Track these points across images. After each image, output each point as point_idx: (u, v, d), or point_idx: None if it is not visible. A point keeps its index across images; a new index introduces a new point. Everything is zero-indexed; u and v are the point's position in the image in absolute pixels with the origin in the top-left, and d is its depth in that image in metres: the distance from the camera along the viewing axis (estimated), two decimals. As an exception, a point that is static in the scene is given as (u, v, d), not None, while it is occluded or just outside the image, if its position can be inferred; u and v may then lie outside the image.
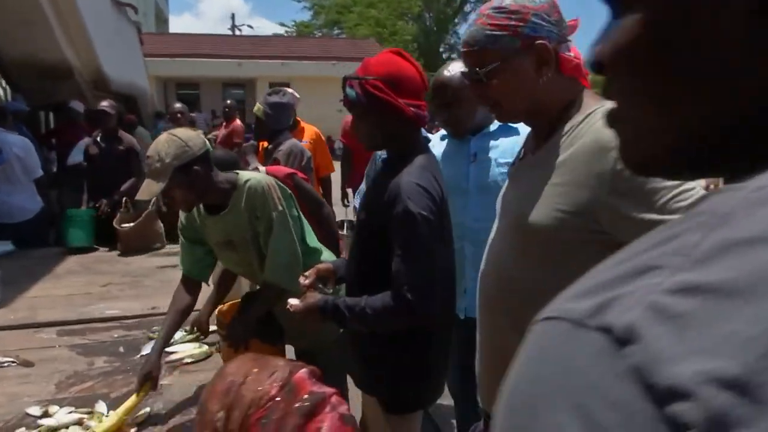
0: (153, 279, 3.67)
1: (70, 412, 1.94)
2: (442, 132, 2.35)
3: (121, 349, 2.55)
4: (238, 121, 7.58)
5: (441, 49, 37.16)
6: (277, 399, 0.86)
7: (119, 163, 4.69)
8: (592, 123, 1.16)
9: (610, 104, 1.20)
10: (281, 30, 35.08)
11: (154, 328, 2.73)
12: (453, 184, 1.90)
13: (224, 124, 7.55)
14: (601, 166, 1.10)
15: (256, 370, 0.91)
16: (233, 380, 0.89)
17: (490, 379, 1.37)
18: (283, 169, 2.79)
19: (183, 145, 1.91)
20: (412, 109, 1.52)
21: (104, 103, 4.67)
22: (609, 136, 1.08)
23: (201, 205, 2.09)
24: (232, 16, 35.04)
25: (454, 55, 38.99)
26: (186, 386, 2.16)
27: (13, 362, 2.38)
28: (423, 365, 1.60)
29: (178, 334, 2.60)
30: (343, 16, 32.52)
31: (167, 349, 2.48)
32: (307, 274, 1.75)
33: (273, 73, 20.05)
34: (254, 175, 2.10)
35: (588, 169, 1.12)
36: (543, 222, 1.18)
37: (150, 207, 4.58)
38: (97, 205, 4.56)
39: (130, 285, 3.52)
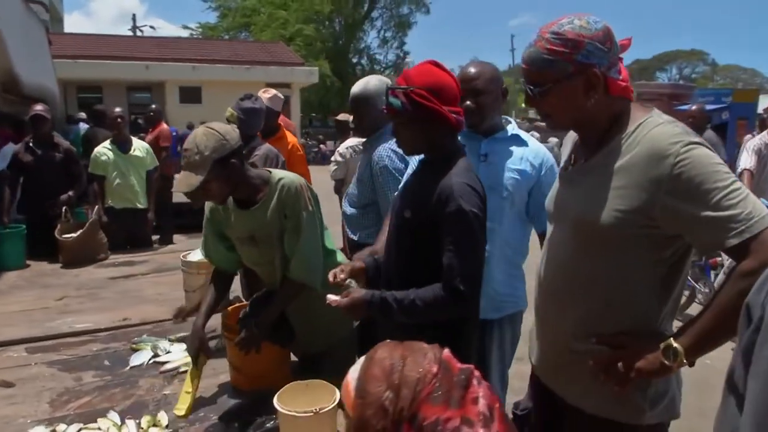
0: (109, 291, 3.50)
1: (80, 429, 1.85)
2: None
3: (107, 363, 2.43)
4: (164, 125, 7.30)
5: (350, 54, 37.44)
6: (438, 376, 0.92)
7: (58, 170, 4.40)
8: (645, 133, 1.30)
9: (656, 114, 1.34)
10: (183, 32, 33.84)
11: (135, 339, 2.64)
12: None
13: (150, 129, 7.25)
14: (657, 172, 1.24)
15: (407, 353, 0.96)
16: (392, 363, 0.94)
17: (550, 358, 1.51)
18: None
19: (221, 138, 1.91)
20: (453, 115, 1.62)
21: (38, 107, 4.38)
22: (664, 144, 1.25)
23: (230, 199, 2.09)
24: (133, 17, 33.20)
25: (363, 60, 39.47)
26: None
27: (-9, 384, 2.21)
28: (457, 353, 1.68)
29: (165, 344, 2.54)
30: (251, 19, 31.89)
31: (160, 359, 2.42)
32: (337, 271, 1.78)
33: (183, 77, 19.30)
34: (287, 174, 2.11)
35: (645, 174, 1.26)
36: (603, 221, 1.31)
37: (92, 216, 4.35)
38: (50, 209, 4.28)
39: (88, 298, 3.34)
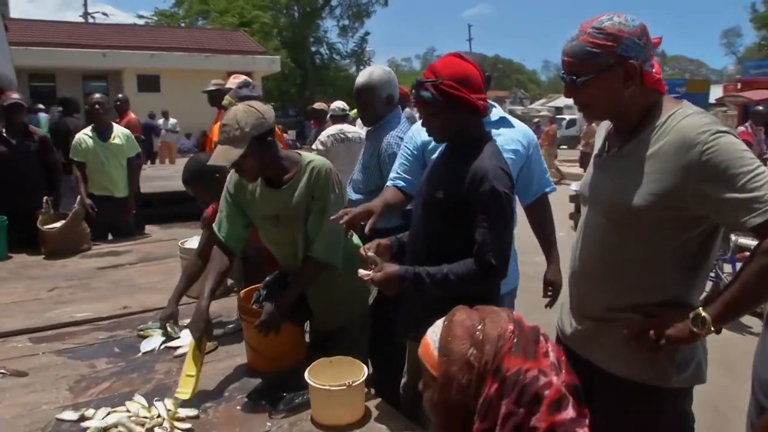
0: (100, 281, 3.47)
1: (109, 413, 1.87)
2: None
3: (117, 350, 2.44)
4: (132, 114, 7.17)
5: (309, 42, 37.09)
6: (515, 332, 1.03)
7: (34, 160, 4.30)
8: (675, 123, 1.42)
9: (686, 105, 1.46)
10: (135, 19, 32.90)
11: (141, 326, 2.64)
12: None
13: (118, 119, 7.10)
14: (687, 159, 1.36)
15: (484, 315, 1.05)
16: (473, 323, 1.03)
17: (586, 328, 1.62)
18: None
19: (260, 116, 1.97)
20: (480, 102, 1.71)
21: (15, 95, 4.25)
22: (693, 134, 1.37)
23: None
24: (84, 2, 31.87)
25: (322, 49, 39.15)
26: (209, 377, 2.15)
27: (3, 373, 2.19)
28: None
29: (175, 329, 2.55)
30: (209, 6, 31.20)
31: (172, 344, 2.43)
32: (368, 246, 1.84)
33: (141, 65, 18.78)
34: (317, 158, 2.16)
35: (676, 161, 1.38)
36: (638, 204, 1.43)
37: (75, 206, 4.27)
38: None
39: (80, 288, 3.30)
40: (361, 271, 1.75)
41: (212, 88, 5.27)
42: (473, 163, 1.69)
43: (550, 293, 2.48)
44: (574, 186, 8.33)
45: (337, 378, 1.84)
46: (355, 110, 6.62)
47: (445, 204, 1.74)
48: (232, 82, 3.56)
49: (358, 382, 1.81)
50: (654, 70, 1.47)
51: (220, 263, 2.26)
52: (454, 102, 1.69)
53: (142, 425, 1.79)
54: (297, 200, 2.09)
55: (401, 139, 2.56)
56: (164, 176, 8.95)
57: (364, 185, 2.71)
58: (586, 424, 1.02)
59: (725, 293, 1.37)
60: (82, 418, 1.84)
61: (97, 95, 4.64)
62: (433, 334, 1.08)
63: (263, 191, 2.16)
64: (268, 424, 1.84)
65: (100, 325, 2.73)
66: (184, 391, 1.97)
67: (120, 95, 7.53)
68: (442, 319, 1.09)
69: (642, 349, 1.44)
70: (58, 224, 4.10)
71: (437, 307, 1.80)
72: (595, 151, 1.70)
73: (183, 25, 30.75)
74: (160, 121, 15.61)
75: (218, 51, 20.46)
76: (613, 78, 1.44)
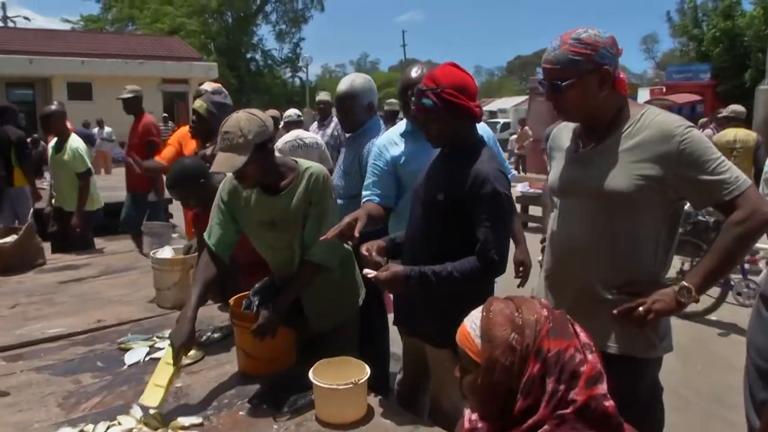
0: (64, 295, 3.35)
1: (109, 427, 1.84)
2: (400, 128, 2.54)
3: (100, 364, 2.38)
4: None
5: (244, 49, 36.56)
6: (549, 317, 1.13)
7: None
8: (650, 120, 1.66)
9: (652, 107, 1.72)
10: (60, 24, 31.49)
11: (121, 339, 2.59)
12: None
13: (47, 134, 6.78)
14: (667, 148, 1.60)
15: (519, 303, 1.15)
16: (511, 311, 1.13)
17: (573, 308, 1.70)
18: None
19: (262, 123, 2.01)
20: (477, 109, 1.83)
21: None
22: (670, 128, 1.60)
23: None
24: (2, 6, 30.28)
25: (257, 55, 38.65)
26: (204, 385, 2.15)
27: (-16, 393, 2.11)
28: None
29: (159, 342, 2.52)
30: (138, 11, 30.28)
31: (156, 356, 2.40)
32: (369, 248, 1.91)
33: (72, 72, 18.06)
34: (314, 164, 2.20)
35: (657, 149, 1.62)
36: (625, 188, 1.65)
37: (29, 219, 4.10)
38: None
39: (44, 303, 3.17)
40: (368, 271, 1.82)
41: (128, 95, 5.17)
42: (473, 167, 1.80)
43: (521, 274, 2.59)
44: (521, 188, 8.64)
45: (340, 377, 1.89)
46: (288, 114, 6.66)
47: (445, 205, 1.83)
48: (206, 87, 3.54)
49: (363, 380, 1.87)
50: (621, 76, 1.68)
51: (205, 272, 2.25)
52: (454, 109, 1.80)
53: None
54: (295, 206, 2.14)
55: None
56: (103, 187, 8.63)
57: (345, 190, 2.77)
58: (610, 398, 1.13)
59: (702, 265, 1.61)
60: (81, 434, 1.81)
61: (53, 106, 4.51)
62: (472, 323, 1.16)
63: (259, 198, 2.19)
64: (275, 426, 1.86)
65: (76, 340, 2.65)
66: (152, 399, 1.91)
67: (54, 104, 7.24)
68: (478, 309, 1.18)
69: (630, 325, 1.62)
70: (9, 239, 3.93)
71: (434, 304, 1.91)
72: (565, 148, 1.86)
73: (109, 29, 29.68)
74: (95, 130, 15.04)
75: (153, 57, 19.95)
76: (591, 82, 1.66)
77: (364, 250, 1.89)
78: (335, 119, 4.72)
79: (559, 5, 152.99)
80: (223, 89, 3.36)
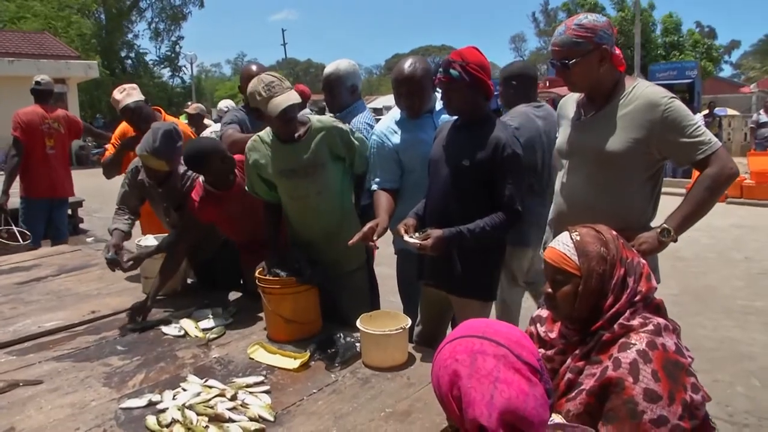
0: (33, 294, 3.21)
1: (175, 395, 1.90)
2: (394, 116, 2.71)
3: (120, 348, 2.39)
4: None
5: (118, 47, 34.46)
6: (617, 236, 1.48)
7: None
8: (641, 91, 1.99)
9: (642, 80, 2.20)
10: None
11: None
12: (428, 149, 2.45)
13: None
14: (653, 115, 1.94)
15: (596, 228, 1.48)
16: (594, 233, 1.46)
17: None
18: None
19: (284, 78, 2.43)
20: (492, 87, 2.15)
21: None
22: (656, 98, 1.94)
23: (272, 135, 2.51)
24: None
25: (132, 54, 36.44)
26: (241, 352, 2.27)
27: (18, 384, 2.07)
28: (502, 259, 2.34)
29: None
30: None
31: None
32: (406, 227, 2.18)
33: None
34: (322, 118, 2.56)
35: (644, 116, 1.96)
36: (622, 148, 1.99)
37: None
38: None
39: (18, 303, 3.04)
40: (409, 240, 2.07)
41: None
42: (492, 134, 2.12)
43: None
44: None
45: (383, 327, 2.10)
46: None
47: (471, 169, 2.12)
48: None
49: (408, 326, 2.10)
50: (617, 53, 2.03)
51: (275, 217, 2.63)
52: (476, 82, 2.09)
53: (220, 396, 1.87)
54: (313, 151, 2.45)
55: (368, 124, 2.86)
56: None
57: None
58: None
59: (679, 210, 1.96)
60: (151, 403, 1.86)
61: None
62: (563, 246, 1.46)
63: (277, 147, 2.48)
64: (332, 375, 2.04)
65: (78, 331, 2.61)
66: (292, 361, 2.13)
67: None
68: (561, 236, 1.49)
69: None
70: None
71: (464, 261, 2.19)
72: (570, 116, 2.20)
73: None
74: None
75: (24, 55, 18.35)
76: (593, 60, 1.99)
77: (402, 231, 2.15)
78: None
79: (433, 5, 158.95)
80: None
